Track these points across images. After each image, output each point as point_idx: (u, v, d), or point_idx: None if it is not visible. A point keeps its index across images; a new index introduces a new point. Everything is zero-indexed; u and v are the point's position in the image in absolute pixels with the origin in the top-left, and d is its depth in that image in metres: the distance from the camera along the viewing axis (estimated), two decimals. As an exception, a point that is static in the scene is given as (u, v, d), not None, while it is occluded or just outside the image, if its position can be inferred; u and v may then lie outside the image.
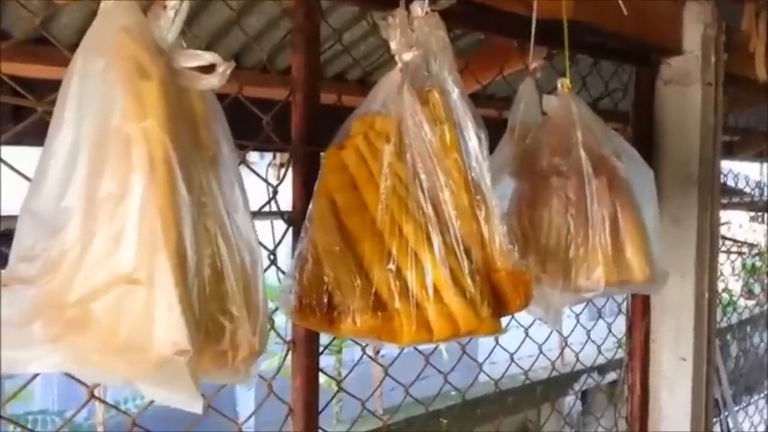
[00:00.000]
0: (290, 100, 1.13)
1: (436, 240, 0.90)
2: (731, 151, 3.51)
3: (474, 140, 0.95)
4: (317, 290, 0.90)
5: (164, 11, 0.69)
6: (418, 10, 0.96)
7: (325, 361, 1.16)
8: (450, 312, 0.89)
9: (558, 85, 1.27)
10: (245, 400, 8.35)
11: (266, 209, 1.14)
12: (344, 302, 0.89)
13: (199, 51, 0.70)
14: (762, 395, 5.13)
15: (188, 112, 0.70)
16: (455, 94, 0.95)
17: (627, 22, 1.42)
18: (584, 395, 5.31)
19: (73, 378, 0.73)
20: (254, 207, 0.86)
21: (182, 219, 0.63)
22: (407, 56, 0.93)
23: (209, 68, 0.71)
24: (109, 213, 0.63)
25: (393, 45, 0.93)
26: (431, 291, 0.89)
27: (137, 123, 0.63)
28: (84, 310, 0.61)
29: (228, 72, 0.70)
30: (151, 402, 0.76)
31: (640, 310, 1.87)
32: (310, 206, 0.95)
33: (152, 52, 0.66)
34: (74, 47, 1.43)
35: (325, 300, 0.90)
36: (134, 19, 0.67)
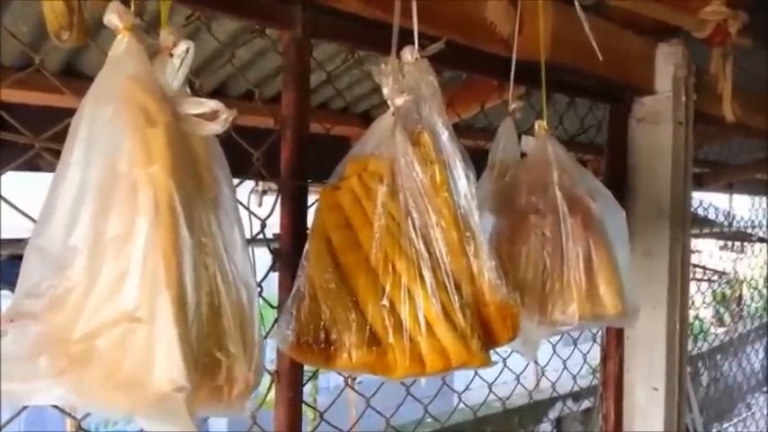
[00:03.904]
0: (280, 134, 1.16)
1: (428, 276, 0.92)
2: (701, 183, 3.60)
3: (463, 180, 0.98)
4: (314, 326, 0.92)
5: (170, 59, 0.73)
6: (408, 56, 1.00)
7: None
8: (442, 347, 0.91)
9: (536, 127, 1.32)
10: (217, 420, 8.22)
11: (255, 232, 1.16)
12: (341, 338, 0.91)
13: (202, 99, 0.73)
14: (731, 423, 5.21)
15: (191, 156, 0.73)
16: (444, 135, 0.99)
17: (602, 63, 1.48)
18: (559, 422, 5.34)
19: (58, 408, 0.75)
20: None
21: (183, 260, 0.66)
22: (399, 100, 0.96)
23: (212, 113, 0.74)
24: (114, 253, 0.65)
25: (386, 91, 0.97)
26: (423, 325, 0.91)
27: (143, 168, 0.66)
28: (88, 347, 0.63)
29: (231, 119, 0.73)
30: None
31: (614, 341, 1.91)
32: (307, 245, 0.97)
33: (158, 99, 0.69)
34: (61, 73, 1.44)
35: (322, 336, 0.92)
36: (141, 67, 0.70)
